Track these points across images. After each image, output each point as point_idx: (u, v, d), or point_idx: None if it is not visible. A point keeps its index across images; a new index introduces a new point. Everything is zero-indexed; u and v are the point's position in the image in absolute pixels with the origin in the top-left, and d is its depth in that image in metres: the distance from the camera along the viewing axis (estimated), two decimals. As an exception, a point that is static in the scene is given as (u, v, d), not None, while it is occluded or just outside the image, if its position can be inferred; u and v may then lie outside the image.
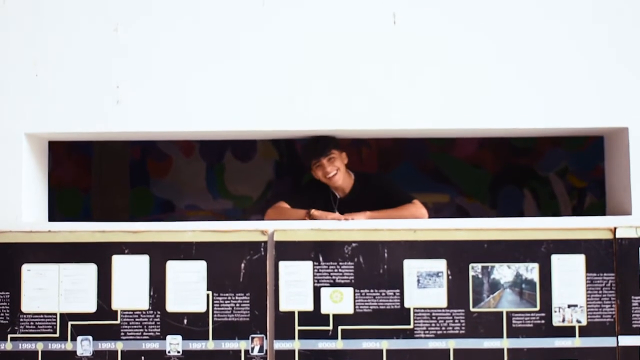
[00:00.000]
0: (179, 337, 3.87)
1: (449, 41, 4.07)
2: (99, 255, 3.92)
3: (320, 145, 4.34)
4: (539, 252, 3.89)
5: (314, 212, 4.21)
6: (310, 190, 4.58)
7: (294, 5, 4.08)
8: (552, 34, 4.07)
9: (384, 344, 3.86)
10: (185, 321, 3.88)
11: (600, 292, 3.88)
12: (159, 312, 3.89)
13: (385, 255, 3.88)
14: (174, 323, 3.88)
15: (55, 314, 3.90)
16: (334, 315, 3.88)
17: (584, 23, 4.07)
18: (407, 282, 3.88)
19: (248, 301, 3.88)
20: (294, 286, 3.88)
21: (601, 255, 3.89)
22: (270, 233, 3.91)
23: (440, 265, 3.88)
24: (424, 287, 3.88)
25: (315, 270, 3.89)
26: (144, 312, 3.89)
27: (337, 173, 4.38)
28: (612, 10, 4.07)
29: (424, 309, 3.88)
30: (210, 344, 3.87)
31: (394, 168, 6.91)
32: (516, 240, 3.90)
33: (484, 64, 4.06)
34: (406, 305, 3.88)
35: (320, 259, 3.89)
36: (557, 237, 3.90)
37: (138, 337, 3.88)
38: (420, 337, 3.87)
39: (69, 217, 6.75)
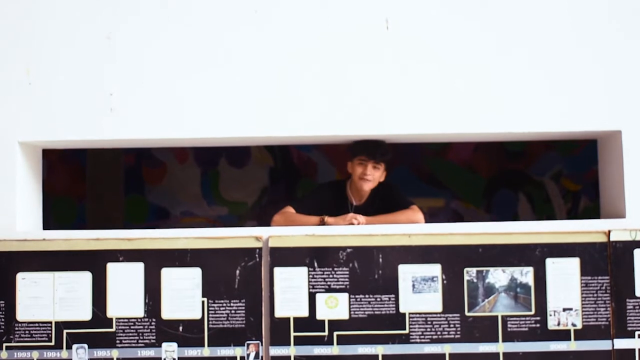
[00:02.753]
0: (175, 345, 3.87)
1: (442, 46, 4.08)
2: (94, 263, 3.91)
3: (379, 150, 4.36)
4: (533, 255, 3.90)
5: (327, 219, 4.21)
6: (326, 194, 4.58)
7: (287, 12, 4.08)
8: (545, 40, 4.07)
9: (379, 350, 3.86)
10: (180, 328, 3.87)
11: (595, 295, 3.88)
12: (154, 320, 3.88)
13: (380, 260, 3.88)
14: (169, 330, 3.87)
15: (51, 323, 3.89)
16: (329, 321, 3.87)
17: (577, 28, 4.08)
18: (402, 287, 3.88)
19: (243, 308, 3.88)
20: (289, 292, 3.87)
21: (596, 259, 3.89)
22: (264, 239, 3.91)
23: (435, 270, 3.89)
24: (419, 292, 3.88)
25: (310, 276, 3.89)
26: (139, 320, 3.88)
27: (371, 182, 4.41)
28: (605, 16, 4.08)
29: (419, 313, 3.88)
30: (205, 351, 3.86)
31: (389, 173, 6.91)
32: (511, 244, 3.91)
33: (478, 69, 4.07)
34: (401, 310, 3.88)
35: (315, 264, 3.88)
36: (552, 241, 3.90)
37: (133, 345, 3.87)
38: (416, 342, 3.87)
39: (64, 226, 6.74)
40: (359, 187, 4.44)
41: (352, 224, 4.15)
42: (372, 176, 4.38)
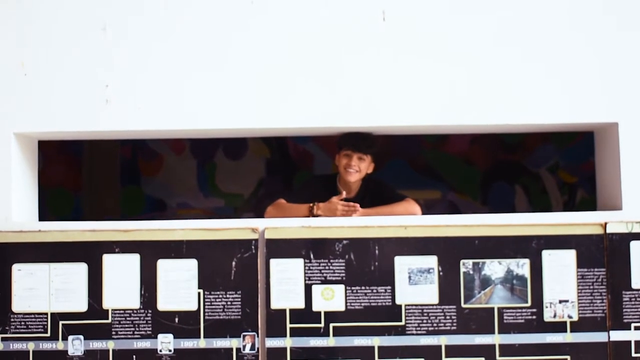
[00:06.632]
0: (171, 336, 3.87)
1: (439, 38, 4.07)
2: (90, 254, 3.91)
3: (363, 143, 4.34)
4: (529, 247, 3.90)
5: (317, 208, 4.19)
6: (317, 187, 4.55)
7: (283, 2, 4.07)
8: (541, 32, 4.07)
9: (375, 341, 3.86)
10: (176, 320, 3.87)
11: (591, 287, 3.89)
12: (150, 311, 3.88)
13: (376, 252, 3.88)
14: (165, 322, 3.87)
15: (46, 314, 3.89)
16: (325, 313, 3.88)
17: (573, 20, 4.08)
18: (398, 279, 3.88)
19: (239, 299, 3.88)
20: (285, 284, 3.87)
21: (592, 251, 3.89)
22: (261, 231, 3.90)
23: (431, 261, 3.89)
24: (415, 283, 3.88)
25: (307, 268, 3.89)
26: (135, 311, 3.88)
27: (356, 173, 4.38)
28: (601, 8, 4.07)
29: (416, 305, 3.88)
30: (201, 342, 3.86)
31: (386, 165, 6.90)
32: (507, 236, 3.91)
33: (474, 61, 4.06)
34: (397, 302, 3.88)
35: (311, 256, 3.88)
36: (548, 233, 3.90)
37: (129, 336, 3.87)
38: (412, 334, 3.87)
39: (60, 217, 6.74)
40: (345, 178, 4.42)
41: (345, 214, 4.14)
42: (357, 167, 4.36)
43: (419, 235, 3.90)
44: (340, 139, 4.40)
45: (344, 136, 4.37)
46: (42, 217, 4.45)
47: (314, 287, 3.89)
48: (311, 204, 4.23)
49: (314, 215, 4.17)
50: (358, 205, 4.18)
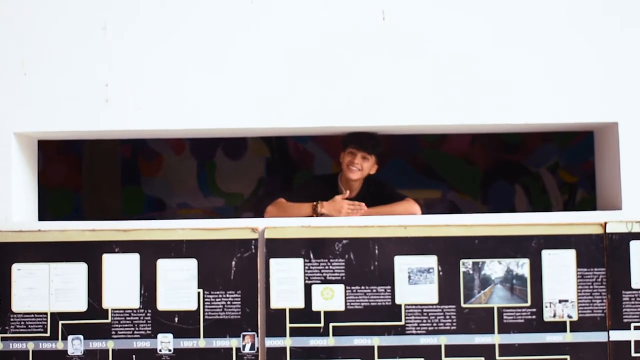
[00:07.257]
0: (170, 336, 3.87)
1: (438, 37, 4.07)
2: (90, 254, 3.91)
3: (369, 142, 4.34)
4: (529, 247, 3.90)
5: (320, 206, 4.18)
6: (318, 186, 4.55)
7: (283, 2, 4.07)
8: (541, 31, 4.07)
9: (375, 341, 3.86)
10: (176, 319, 3.87)
11: (591, 287, 3.89)
12: (149, 311, 3.88)
13: (376, 251, 3.88)
14: (165, 321, 3.87)
15: (46, 314, 3.89)
16: (325, 312, 3.87)
17: (573, 19, 4.08)
18: (398, 279, 3.88)
19: (239, 299, 3.88)
20: (285, 283, 3.87)
21: (592, 250, 3.89)
22: (260, 231, 3.90)
23: (431, 261, 3.89)
24: (415, 283, 3.88)
25: (306, 268, 3.88)
26: (134, 311, 3.88)
27: (358, 172, 4.38)
28: (601, 7, 4.07)
29: (415, 305, 3.88)
30: (201, 342, 3.86)
31: (385, 164, 6.91)
32: (507, 236, 3.91)
33: (474, 60, 4.06)
34: (397, 301, 3.88)
35: (311, 256, 3.88)
36: (548, 233, 3.90)
37: (129, 336, 3.87)
38: (412, 334, 3.87)
39: (60, 217, 6.74)
40: (347, 176, 4.41)
41: (351, 213, 4.14)
42: (360, 166, 4.36)
43: (419, 235, 3.90)
44: (345, 137, 4.40)
45: (350, 134, 4.36)
46: (42, 217, 4.45)
47: (313, 287, 3.88)
48: (315, 203, 4.22)
49: (317, 214, 4.18)
50: (364, 204, 4.18)
